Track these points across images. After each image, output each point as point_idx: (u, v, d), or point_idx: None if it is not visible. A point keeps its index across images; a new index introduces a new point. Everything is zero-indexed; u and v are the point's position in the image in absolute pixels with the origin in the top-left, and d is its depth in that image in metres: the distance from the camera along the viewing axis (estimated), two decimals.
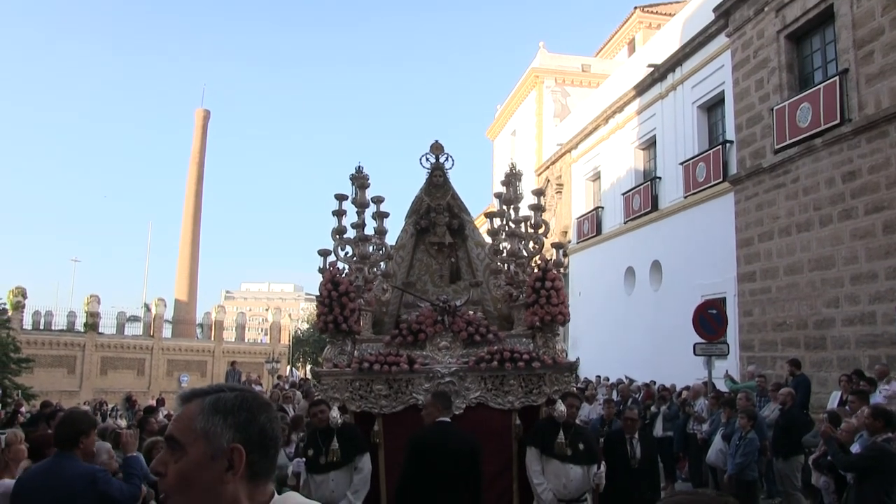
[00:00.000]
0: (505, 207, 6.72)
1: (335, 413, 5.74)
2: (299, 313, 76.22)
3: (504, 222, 6.76)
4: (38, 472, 4.19)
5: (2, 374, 24.31)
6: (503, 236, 6.76)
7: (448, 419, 5.28)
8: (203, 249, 51.52)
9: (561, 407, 5.77)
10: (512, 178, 6.69)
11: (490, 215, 7.02)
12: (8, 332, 26.15)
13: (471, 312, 6.44)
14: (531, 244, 6.67)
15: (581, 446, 5.76)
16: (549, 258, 6.43)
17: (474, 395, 5.95)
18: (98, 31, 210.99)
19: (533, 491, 5.73)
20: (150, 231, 78.63)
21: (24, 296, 35.10)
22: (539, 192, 6.83)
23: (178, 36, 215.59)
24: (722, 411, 9.80)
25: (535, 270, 6.31)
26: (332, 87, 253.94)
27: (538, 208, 6.69)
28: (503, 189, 6.76)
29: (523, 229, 6.71)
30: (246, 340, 48.01)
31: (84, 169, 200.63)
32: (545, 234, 6.69)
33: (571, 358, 6.44)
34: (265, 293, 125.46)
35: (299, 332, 50.58)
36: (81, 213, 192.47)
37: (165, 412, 18.14)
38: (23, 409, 15.87)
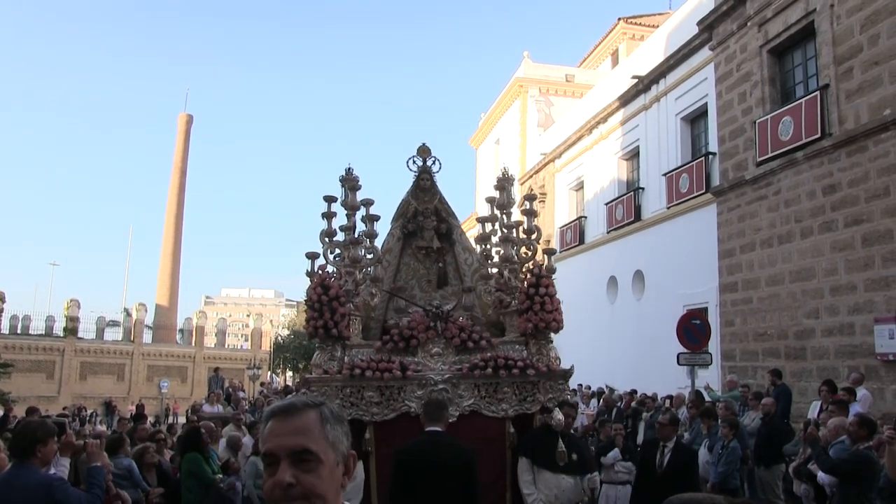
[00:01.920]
0: (498, 212, 6.61)
1: None
2: (280, 319, 75.83)
3: (496, 227, 6.65)
4: None
5: None
6: (495, 241, 6.65)
7: (438, 429, 5.07)
8: (184, 253, 51.14)
9: (559, 415, 5.69)
10: (505, 183, 6.59)
11: (482, 220, 6.91)
12: None
13: (461, 318, 6.32)
14: (523, 250, 6.56)
15: (575, 456, 5.70)
16: (541, 264, 6.34)
17: (468, 403, 5.84)
18: (79, 33, 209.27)
19: (524, 501, 5.64)
20: (131, 235, 78.25)
21: (2, 300, 34.59)
22: (531, 198, 6.78)
23: (162, 39, 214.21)
24: (700, 422, 9.88)
25: (528, 276, 6.21)
26: (315, 93, 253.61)
27: (531, 213, 6.61)
28: (496, 193, 6.65)
29: (515, 234, 6.60)
30: (226, 346, 47.68)
31: (64, 172, 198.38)
32: (538, 239, 6.61)
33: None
34: (245, 299, 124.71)
35: (280, 338, 50.32)
36: (60, 216, 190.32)
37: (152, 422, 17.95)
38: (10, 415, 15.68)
